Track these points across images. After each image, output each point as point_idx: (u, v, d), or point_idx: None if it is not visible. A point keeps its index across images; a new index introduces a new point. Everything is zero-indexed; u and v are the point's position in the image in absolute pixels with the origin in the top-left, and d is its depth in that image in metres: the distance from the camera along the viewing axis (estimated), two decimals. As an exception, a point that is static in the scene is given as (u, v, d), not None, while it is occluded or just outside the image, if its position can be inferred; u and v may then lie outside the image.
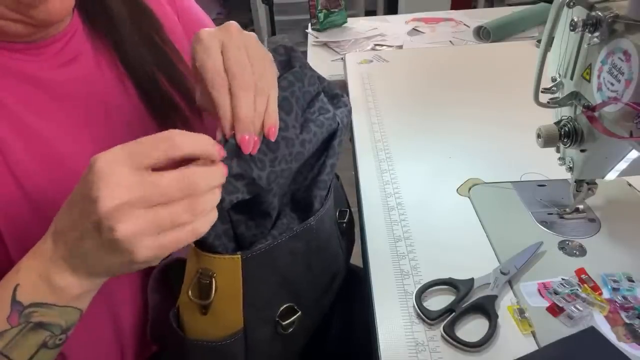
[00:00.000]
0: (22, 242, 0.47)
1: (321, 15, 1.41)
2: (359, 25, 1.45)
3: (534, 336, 0.50)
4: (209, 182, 0.39)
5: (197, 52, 0.45)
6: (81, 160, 0.51)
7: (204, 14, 0.72)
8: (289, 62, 0.53)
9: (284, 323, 0.52)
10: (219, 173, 0.40)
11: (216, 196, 0.40)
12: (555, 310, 0.51)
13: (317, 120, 0.51)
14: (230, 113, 0.44)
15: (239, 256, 0.47)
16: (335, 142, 0.54)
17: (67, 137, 0.51)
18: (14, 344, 0.40)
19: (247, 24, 3.61)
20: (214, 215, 0.40)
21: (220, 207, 0.42)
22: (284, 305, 0.53)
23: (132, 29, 0.58)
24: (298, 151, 0.49)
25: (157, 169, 0.37)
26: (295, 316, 0.53)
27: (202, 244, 0.46)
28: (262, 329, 0.52)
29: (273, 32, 2.72)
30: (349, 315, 0.74)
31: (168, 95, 0.60)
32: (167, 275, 0.57)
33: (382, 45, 1.30)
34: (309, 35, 1.42)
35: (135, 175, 0.36)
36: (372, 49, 1.29)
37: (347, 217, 0.65)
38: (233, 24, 0.47)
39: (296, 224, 0.53)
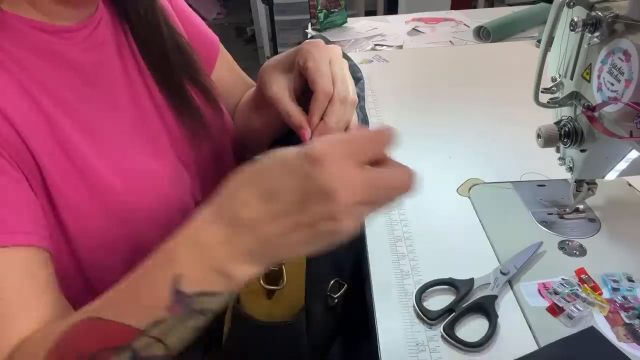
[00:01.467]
0: (81, 223, 0.50)
1: (321, 15, 1.41)
2: (359, 25, 1.45)
3: (534, 336, 0.50)
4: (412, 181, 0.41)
5: (312, 56, 0.52)
6: (121, 139, 0.55)
7: (195, 14, 0.74)
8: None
9: (335, 296, 0.57)
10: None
11: None
12: (555, 310, 0.51)
13: (359, 117, 0.57)
14: (319, 117, 0.51)
15: None
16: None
17: (104, 118, 0.54)
18: (172, 329, 0.40)
19: (247, 24, 3.62)
20: None
21: None
22: (332, 281, 0.58)
23: (156, 26, 0.61)
24: None
25: None
26: (343, 289, 0.58)
27: None
28: (318, 305, 0.56)
29: (273, 32, 2.72)
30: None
31: (184, 87, 0.63)
32: None
33: (382, 45, 1.30)
34: (309, 35, 1.42)
35: (361, 173, 0.37)
36: (372, 49, 1.29)
37: None
38: (337, 48, 0.55)
39: None
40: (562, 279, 0.55)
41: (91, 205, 0.51)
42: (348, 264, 0.62)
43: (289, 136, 0.64)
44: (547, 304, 0.52)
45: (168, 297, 0.39)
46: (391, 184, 0.38)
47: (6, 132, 0.45)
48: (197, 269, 0.39)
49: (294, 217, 0.37)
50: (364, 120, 0.57)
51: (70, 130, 0.50)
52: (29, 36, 0.50)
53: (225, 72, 0.77)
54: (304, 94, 0.55)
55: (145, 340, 0.40)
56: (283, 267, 0.51)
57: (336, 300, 0.57)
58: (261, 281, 0.51)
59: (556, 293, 0.53)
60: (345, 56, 0.58)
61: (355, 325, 0.72)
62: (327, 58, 0.53)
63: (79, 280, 0.53)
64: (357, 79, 0.58)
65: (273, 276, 0.51)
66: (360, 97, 0.57)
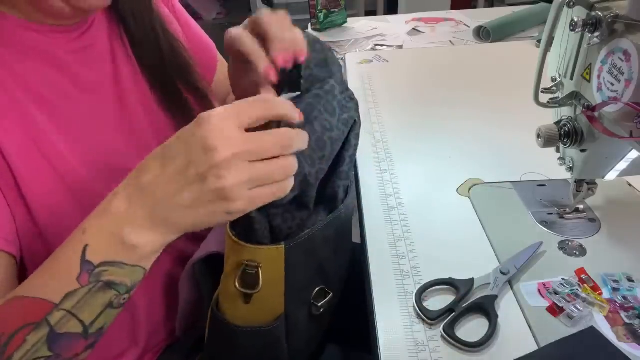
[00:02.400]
0: (59, 226, 0.50)
1: (321, 15, 1.41)
2: (359, 25, 1.45)
3: (534, 336, 0.50)
4: (298, 145, 0.43)
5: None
6: (105, 139, 0.55)
7: (192, 20, 0.75)
8: (326, 61, 0.55)
9: (318, 304, 0.56)
10: (304, 138, 0.44)
11: (296, 162, 0.44)
12: (555, 310, 0.51)
13: (342, 118, 0.55)
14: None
15: (283, 246, 0.50)
16: (351, 135, 0.57)
17: (86, 118, 0.54)
18: (83, 303, 0.42)
19: (247, 24, 3.61)
20: (291, 182, 0.45)
21: (275, 202, 0.46)
22: (317, 288, 0.56)
23: (151, 29, 0.61)
24: (334, 149, 0.53)
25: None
26: (328, 297, 0.56)
27: (247, 237, 0.49)
28: (300, 312, 0.55)
29: (273, 32, 2.71)
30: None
31: (179, 91, 0.63)
32: (195, 271, 0.60)
33: (382, 45, 1.30)
34: (309, 35, 1.42)
35: (241, 132, 0.40)
36: (372, 49, 1.29)
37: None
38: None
39: (323, 214, 0.55)
40: (562, 279, 0.55)
41: (67, 205, 0.51)
42: (337, 273, 0.61)
43: None
44: (547, 304, 0.52)
45: (77, 267, 0.41)
46: (271, 139, 0.41)
47: None
48: (101, 238, 0.41)
49: (182, 174, 0.40)
50: (348, 117, 0.55)
51: (48, 129, 0.50)
52: (15, 34, 0.50)
53: (225, 75, 0.77)
54: None
55: (59, 314, 0.41)
56: (259, 271, 0.49)
57: (322, 309, 0.56)
58: (236, 284, 0.50)
59: (556, 293, 0.53)
60: (316, 40, 0.56)
61: (350, 334, 0.72)
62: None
63: None
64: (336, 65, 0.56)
65: (250, 281, 0.50)
66: (337, 89, 0.54)
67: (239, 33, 0.48)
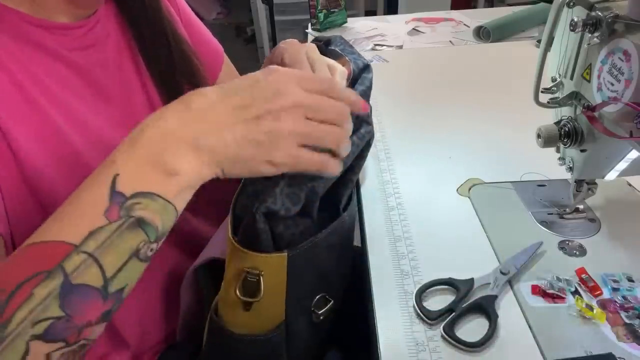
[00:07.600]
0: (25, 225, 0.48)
1: (321, 15, 1.41)
2: (359, 25, 1.45)
3: (534, 336, 0.50)
4: (349, 125, 0.46)
5: (287, 51, 0.55)
6: (112, 135, 0.55)
7: (200, 22, 0.75)
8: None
9: (319, 312, 0.55)
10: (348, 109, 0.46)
11: (348, 134, 0.47)
12: (539, 292, 0.52)
13: (359, 133, 0.56)
14: None
15: (286, 254, 0.49)
16: (365, 148, 0.58)
17: (95, 113, 0.54)
18: (109, 244, 0.36)
19: (247, 24, 3.62)
20: (339, 166, 0.47)
21: (280, 215, 0.47)
22: (318, 296, 0.55)
23: (161, 32, 0.61)
24: (346, 161, 0.54)
25: None
26: (329, 305, 0.56)
27: (249, 244, 0.48)
28: (301, 320, 0.54)
29: (273, 32, 2.72)
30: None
31: (183, 89, 0.62)
32: (196, 277, 0.59)
33: (382, 45, 1.30)
34: (308, 35, 1.42)
35: (304, 90, 0.43)
36: (372, 49, 1.29)
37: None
38: (312, 44, 0.58)
39: (326, 222, 0.55)
40: (563, 279, 0.55)
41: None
42: (338, 280, 0.60)
43: None
44: (547, 303, 0.52)
45: (106, 200, 0.37)
46: (330, 103, 0.44)
47: None
48: (134, 165, 0.38)
49: (242, 110, 0.41)
50: (365, 132, 0.57)
51: (60, 122, 0.50)
52: (24, 31, 0.50)
53: (228, 80, 0.77)
54: None
55: (78, 258, 0.35)
56: (261, 279, 0.48)
57: (322, 317, 0.55)
58: (237, 292, 0.49)
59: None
60: (345, 42, 0.62)
61: (350, 341, 0.71)
62: (302, 50, 0.54)
63: None
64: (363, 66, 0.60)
65: (251, 289, 0.49)
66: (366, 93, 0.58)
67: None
